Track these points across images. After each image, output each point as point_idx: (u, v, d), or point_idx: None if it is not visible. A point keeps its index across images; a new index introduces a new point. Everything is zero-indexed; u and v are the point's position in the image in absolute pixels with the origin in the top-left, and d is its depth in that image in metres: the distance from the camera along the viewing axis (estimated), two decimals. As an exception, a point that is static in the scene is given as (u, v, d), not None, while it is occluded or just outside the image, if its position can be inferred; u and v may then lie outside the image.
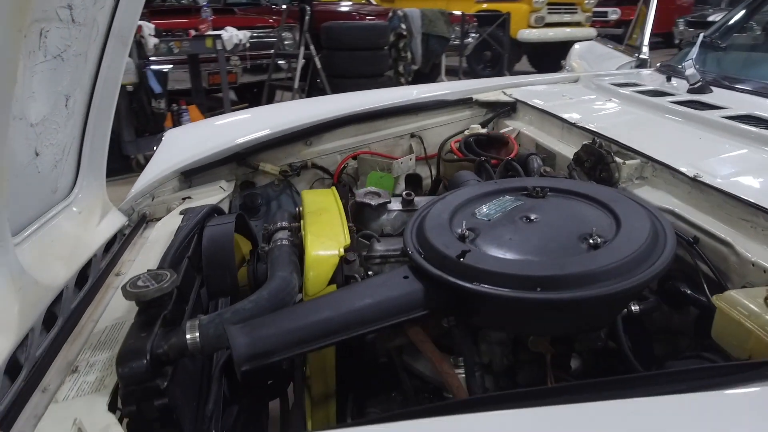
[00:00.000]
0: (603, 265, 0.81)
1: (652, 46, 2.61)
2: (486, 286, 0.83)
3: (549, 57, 9.41)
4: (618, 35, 8.97)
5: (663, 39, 11.76)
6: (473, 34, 8.94)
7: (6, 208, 0.98)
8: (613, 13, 12.57)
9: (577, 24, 10.15)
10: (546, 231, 0.94)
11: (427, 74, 7.90)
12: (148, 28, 4.53)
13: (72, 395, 0.89)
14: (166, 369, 0.88)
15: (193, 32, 5.19)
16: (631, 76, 2.14)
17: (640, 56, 2.55)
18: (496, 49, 9.34)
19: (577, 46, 3.79)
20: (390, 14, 7.15)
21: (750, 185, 1.05)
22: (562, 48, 3.76)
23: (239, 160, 1.76)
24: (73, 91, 1.32)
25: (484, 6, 9.79)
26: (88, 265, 1.35)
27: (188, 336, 0.88)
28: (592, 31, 9.81)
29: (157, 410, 0.85)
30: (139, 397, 0.84)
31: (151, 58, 4.79)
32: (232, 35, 5.10)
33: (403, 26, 7.02)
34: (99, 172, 1.47)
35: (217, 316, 0.91)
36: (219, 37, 5.03)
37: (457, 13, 8.40)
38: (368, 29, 6.58)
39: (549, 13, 9.71)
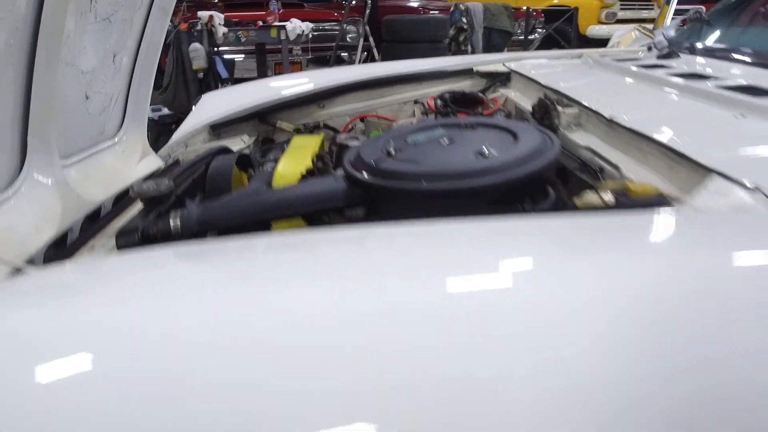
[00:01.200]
0: (476, 167, 1.00)
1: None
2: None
3: (620, 53, 9.20)
4: (699, 32, 8.62)
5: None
6: (540, 30, 8.89)
7: (55, 133, 1.27)
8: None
9: (652, 21, 9.84)
10: (454, 149, 1.14)
11: (488, 68, 7.94)
12: (219, 18, 4.97)
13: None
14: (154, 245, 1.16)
15: (260, 23, 5.61)
16: (627, 52, 2.25)
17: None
18: (563, 45, 9.24)
19: (617, 32, 3.86)
20: (451, 8, 7.30)
21: (651, 122, 1.19)
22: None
23: (260, 118, 2.04)
24: (120, 50, 1.60)
25: (555, 1, 9.71)
26: (126, 195, 1.66)
27: (171, 221, 1.15)
28: (667, 27, 9.47)
29: None
30: None
31: (222, 48, 5.24)
32: (295, 26, 5.46)
33: (464, 20, 7.15)
34: (141, 120, 1.76)
35: (195, 207, 1.18)
36: (283, 27, 5.40)
37: (523, 8, 8.41)
38: (426, 22, 6.78)
39: (621, 9, 9.50)
